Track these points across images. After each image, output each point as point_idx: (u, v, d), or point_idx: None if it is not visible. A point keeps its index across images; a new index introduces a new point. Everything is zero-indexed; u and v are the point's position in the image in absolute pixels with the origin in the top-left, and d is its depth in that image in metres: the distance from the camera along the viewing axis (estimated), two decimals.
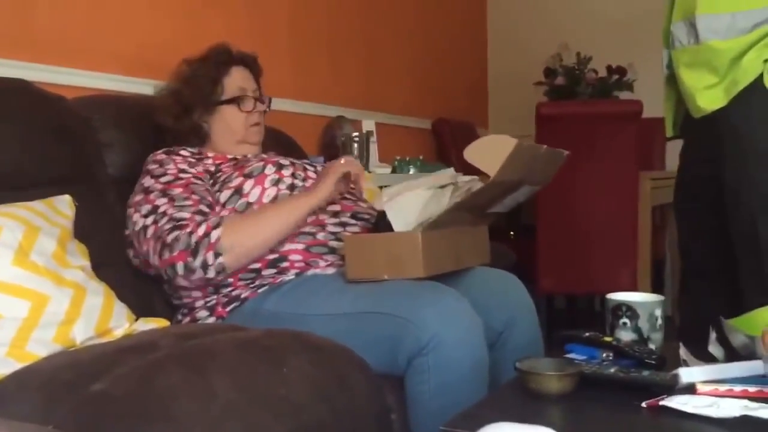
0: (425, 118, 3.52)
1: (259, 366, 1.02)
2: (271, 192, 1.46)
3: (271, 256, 1.41)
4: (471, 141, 4.50)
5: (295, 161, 1.60)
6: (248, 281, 1.41)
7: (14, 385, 0.98)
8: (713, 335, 1.14)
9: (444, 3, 3.78)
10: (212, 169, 1.53)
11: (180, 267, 1.33)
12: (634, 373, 1.02)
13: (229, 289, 1.42)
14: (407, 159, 2.83)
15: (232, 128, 1.62)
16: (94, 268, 1.29)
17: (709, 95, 1.37)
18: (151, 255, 1.37)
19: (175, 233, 1.34)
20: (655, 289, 3.57)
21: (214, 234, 1.32)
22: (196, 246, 1.32)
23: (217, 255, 1.32)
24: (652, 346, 1.18)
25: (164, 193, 1.41)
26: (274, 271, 1.41)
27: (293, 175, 1.51)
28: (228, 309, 1.41)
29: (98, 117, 1.61)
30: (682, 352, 1.14)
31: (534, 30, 4.08)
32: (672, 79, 1.53)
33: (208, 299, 1.43)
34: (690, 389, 0.98)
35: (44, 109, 1.46)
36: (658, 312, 1.20)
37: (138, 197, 1.45)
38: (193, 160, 1.52)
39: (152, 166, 1.50)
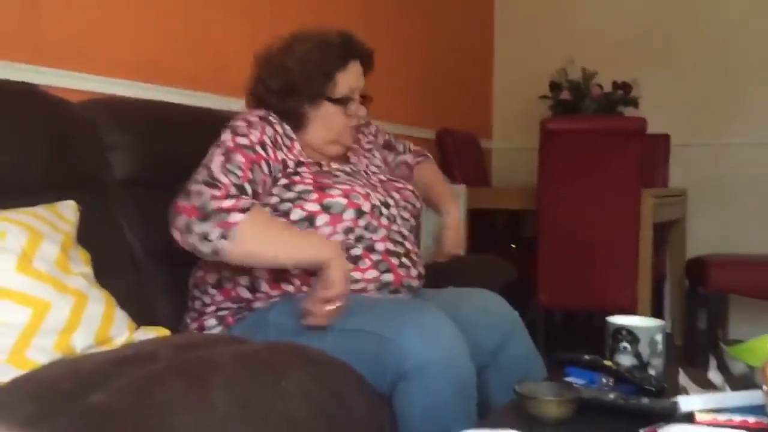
0: (429, 129, 3.52)
1: (258, 379, 1.02)
2: (339, 238, 1.38)
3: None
4: (475, 152, 4.50)
5: (379, 195, 1.47)
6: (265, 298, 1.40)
7: (12, 393, 0.97)
8: (713, 362, 1.14)
9: (450, 14, 3.78)
10: (291, 163, 1.43)
11: (182, 220, 1.26)
12: (633, 399, 1.02)
13: (244, 304, 1.41)
14: None
15: (329, 126, 1.53)
16: (96, 275, 1.29)
17: None
18: (178, 198, 1.31)
19: (202, 187, 1.27)
20: (655, 307, 3.58)
21: (236, 216, 1.24)
22: (211, 213, 1.24)
23: (223, 236, 1.24)
24: (652, 372, 1.18)
25: (227, 153, 1.36)
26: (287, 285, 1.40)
27: (366, 227, 1.41)
28: (237, 318, 1.41)
29: (103, 119, 1.61)
30: (682, 378, 1.14)
31: (540, 44, 4.08)
32: None
33: (220, 308, 1.42)
34: (689, 418, 0.99)
35: (48, 112, 1.46)
36: (659, 337, 1.20)
37: (212, 149, 1.40)
38: (280, 141, 1.44)
39: (240, 123, 1.42)
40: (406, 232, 1.50)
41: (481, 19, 4.19)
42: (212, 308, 1.42)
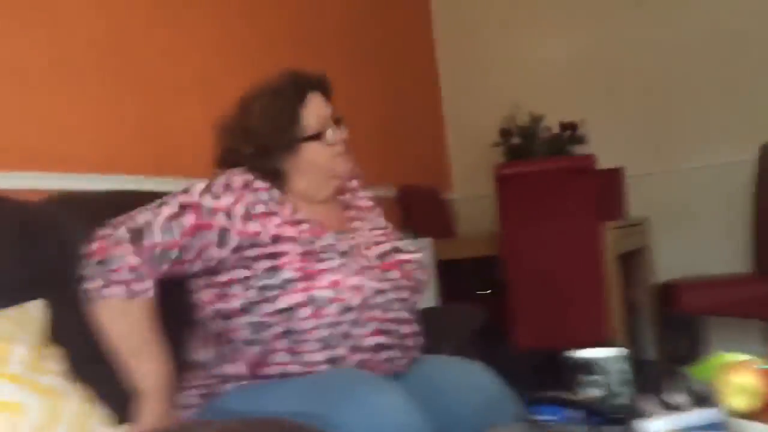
0: (389, 187, 3.59)
1: None
2: (323, 332, 1.31)
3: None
4: (437, 205, 4.57)
5: (374, 282, 1.36)
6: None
7: None
8: (674, 384, 1.18)
9: (399, 74, 3.90)
10: (266, 238, 1.34)
11: (90, 248, 1.30)
12: (601, 429, 1.05)
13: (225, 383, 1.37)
14: None
15: (317, 166, 1.47)
16: (72, 370, 1.29)
17: None
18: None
19: (125, 236, 1.30)
20: (633, 336, 3.62)
21: (117, 291, 1.27)
22: (105, 269, 1.28)
23: (94, 293, 1.28)
24: (620, 401, 1.21)
25: (183, 207, 1.34)
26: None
27: (354, 322, 1.32)
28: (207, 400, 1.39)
29: (64, 215, 1.62)
30: (649, 403, 1.17)
31: (487, 92, 4.22)
32: None
33: (206, 384, 1.39)
34: None
35: (7, 216, 1.47)
36: (623, 366, 1.24)
37: (177, 192, 1.40)
38: (260, 211, 1.37)
39: (219, 182, 1.38)
40: (404, 316, 1.41)
41: (426, 76, 4.32)
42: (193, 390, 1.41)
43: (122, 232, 1.28)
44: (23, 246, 1.47)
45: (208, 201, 1.35)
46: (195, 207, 1.34)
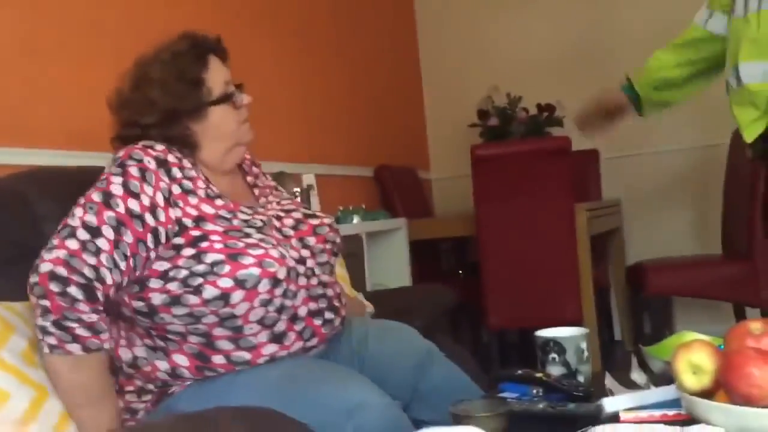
0: (367, 166, 3.60)
1: None
2: (259, 312, 1.28)
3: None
4: (414, 185, 4.59)
5: (294, 251, 1.36)
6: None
7: None
8: (635, 362, 1.21)
9: (378, 53, 3.90)
10: (189, 222, 1.28)
11: (45, 304, 1.17)
12: (560, 406, 1.08)
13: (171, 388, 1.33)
14: (350, 208, 2.89)
15: (224, 131, 1.40)
16: None
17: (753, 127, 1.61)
18: (48, 253, 1.19)
19: (80, 296, 1.18)
20: (604, 317, 3.68)
21: (75, 348, 1.18)
22: (65, 327, 1.18)
23: (51, 348, 1.18)
24: (581, 378, 1.25)
25: (117, 226, 1.23)
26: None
27: (284, 294, 1.30)
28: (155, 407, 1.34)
29: (33, 190, 1.60)
30: (608, 381, 1.20)
31: (467, 74, 4.23)
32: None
33: (140, 391, 1.35)
34: (614, 418, 1.04)
35: None
36: (584, 345, 1.27)
37: (95, 195, 1.26)
38: (177, 192, 1.30)
39: (132, 169, 1.28)
40: (326, 279, 1.42)
41: (407, 56, 4.32)
42: (131, 387, 1.35)
43: (74, 291, 1.18)
44: None
45: (134, 205, 1.26)
46: (127, 220, 1.25)
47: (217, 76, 1.40)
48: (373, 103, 3.77)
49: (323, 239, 1.45)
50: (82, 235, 1.21)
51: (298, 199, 1.55)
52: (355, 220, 2.79)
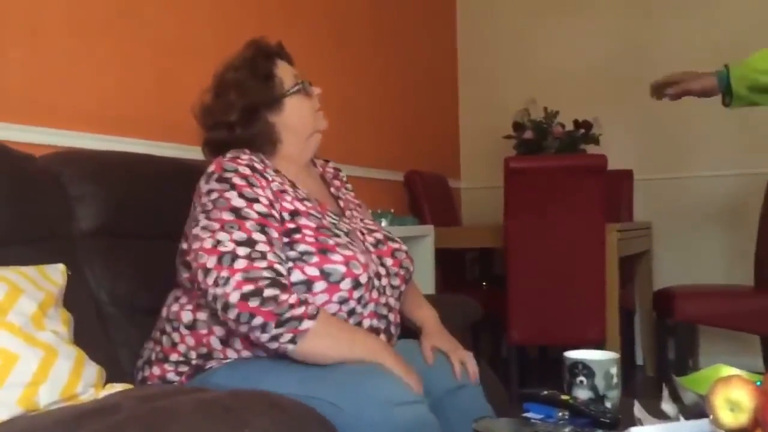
0: (397, 171, 3.58)
1: (219, 427, 1.03)
2: (332, 308, 1.33)
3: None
4: (443, 193, 4.56)
5: (373, 264, 1.41)
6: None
7: None
8: (666, 392, 1.17)
9: (416, 57, 3.88)
10: (286, 215, 1.36)
11: (258, 321, 1.22)
12: None
13: (201, 361, 1.36)
14: (378, 212, 2.87)
15: (302, 120, 1.50)
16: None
17: None
18: (227, 286, 1.23)
19: (275, 292, 1.23)
20: (626, 340, 3.62)
21: (307, 323, 1.24)
22: (286, 320, 1.23)
23: (293, 341, 1.23)
24: (608, 404, 1.21)
25: (262, 228, 1.30)
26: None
27: (359, 300, 1.36)
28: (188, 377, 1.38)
29: (67, 171, 1.61)
30: (637, 409, 1.16)
31: (503, 85, 4.19)
32: None
33: (184, 359, 1.38)
34: None
35: (10, 167, 1.47)
36: (614, 370, 1.23)
37: (225, 214, 1.31)
38: (274, 190, 1.38)
39: (237, 180, 1.34)
40: (393, 303, 1.45)
41: (445, 62, 4.29)
42: (175, 356, 1.39)
43: (270, 291, 1.24)
44: (23, 199, 1.47)
45: (260, 208, 1.33)
46: (264, 222, 1.32)
47: (286, 72, 1.52)
48: (407, 107, 3.75)
49: (399, 263, 1.49)
50: (243, 251, 1.27)
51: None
52: (384, 223, 2.77)
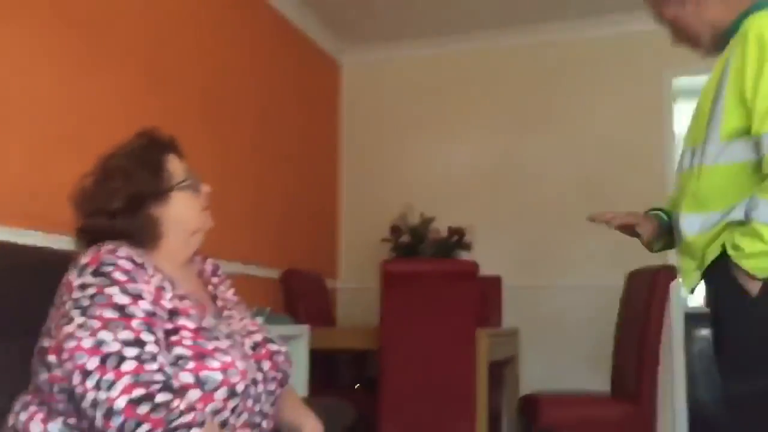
0: (275, 268, 3.55)
1: None
2: (208, 409, 1.25)
3: None
4: (319, 292, 4.54)
5: (251, 370, 1.34)
6: None
7: None
8: None
9: (301, 159, 3.95)
10: (164, 314, 1.27)
11: (144, 429, 1.11)
12: None
13: None
14: (254, 309, 2.81)
15: (186, 217, 1.43)
16: None
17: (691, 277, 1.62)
18: (112, 390, 1.12)
19: (168, 397, 1.15)
20: None
21: None
22: (174, 428, 1.13)
23: None
24: None
25: (149, 328, 1.21)
26: None
27: (233, 410, 1.28)
28: None
29: None
30: None
31: (384, 190, 4.34)
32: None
33: None
34: None
35: None
36: None
37: (107, 312, 1.20)
38: (158, 284, 1.30)
39: (118, 275, 1.25)
40: (267, 409, 1.39)
41: (328, 164, 4.40)
42: None
43: (162, 396, 1.15)
44: None
45: (145, 305, 1.25)
46: (151, 321, 1.24)
47: (177, 166, 1.46)
48: (287, 206, 3.78)
49: (276, 367, 1.43)
50: (131, 352, 1.17)
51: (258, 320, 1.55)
52: (260, 320, 2.70)
